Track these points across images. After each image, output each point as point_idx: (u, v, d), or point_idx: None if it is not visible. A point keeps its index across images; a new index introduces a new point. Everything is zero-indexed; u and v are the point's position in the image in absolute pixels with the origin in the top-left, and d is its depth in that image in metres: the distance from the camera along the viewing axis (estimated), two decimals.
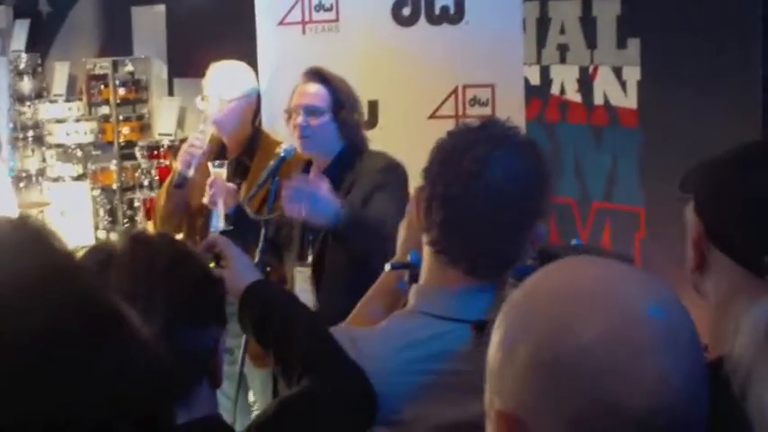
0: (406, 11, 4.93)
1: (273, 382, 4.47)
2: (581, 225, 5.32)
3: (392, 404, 2.14)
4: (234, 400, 4.13)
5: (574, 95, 5.38)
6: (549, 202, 2.24)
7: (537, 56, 5.51)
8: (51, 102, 8.19)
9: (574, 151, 5.35)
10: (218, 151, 4.73)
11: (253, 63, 4.99)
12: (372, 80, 4.69)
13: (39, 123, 8.22)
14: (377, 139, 4.35)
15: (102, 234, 7.62)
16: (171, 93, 7.78)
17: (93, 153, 7.92)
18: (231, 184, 4.35)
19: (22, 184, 7.96)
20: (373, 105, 4.86)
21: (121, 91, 7.84)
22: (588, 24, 5.28)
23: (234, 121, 4.73)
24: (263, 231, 4.01)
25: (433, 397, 2.14)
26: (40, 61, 8.62)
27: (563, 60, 5.43)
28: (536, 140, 2.38)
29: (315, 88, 4.21)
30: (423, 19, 4.97)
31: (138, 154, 7.53)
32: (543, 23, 5.49)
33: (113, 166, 7.74)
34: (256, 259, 3.83)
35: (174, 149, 7.02)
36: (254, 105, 4.82)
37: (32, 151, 8.29)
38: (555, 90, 5.46)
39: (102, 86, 7.91)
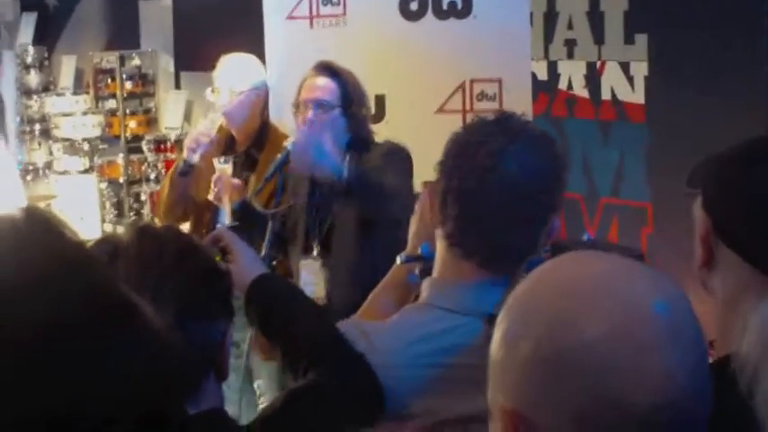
0: (414, 5, 4.93)
1: (280, 376, 4.47)
2: (588, 220, 5.32)
3: (402, 398, 2.13)
4: (239, 394, 4.13)
5: (581, 91, 5.37)
6: (563, 197, 2.24)
7: (544, 51, 5.51)
8: (58, 95, 8.19)
9: (581, 146, 5.35)
10: (225, 145, 4.73)
11: (260, 57, 4.98)
12: (379, 74, 4.68)
13: (46, 117, 8.22)
14: (383, 134, 4.35)
15: (108, 227, 7.63)
16: (178, 86, 7.77)
17: (100, 147, 7.93)
18: (236, 180, 4.35)
19: (29, 178, 7.96)
20: (380, 99, 4.85)
21: (128, 85, 7.84)
22: (596, 19, 5.28)
23: (243, 113, 4.73)
24: (269, 225, 4.01)
25: (444, 391, 2.13)
26: (46, 55, 8.62)
27: (570, 56, 5.43)
28: (551, 135, 2.36)
29: (324, 82, 4.21)
30: (430, 13, 4.97)
31: (144, 147, 7.53)
32: (550, 18, 5.48)
33: (120, 159, 7.75)
34: (263, 253, 3.83)
35: (180, 143, 7.02)
36: (264, 98, 4.82)
37: (39, 144, 8.29)
38: (562, 85, 5.45)
39: (109, 80, 7.91)
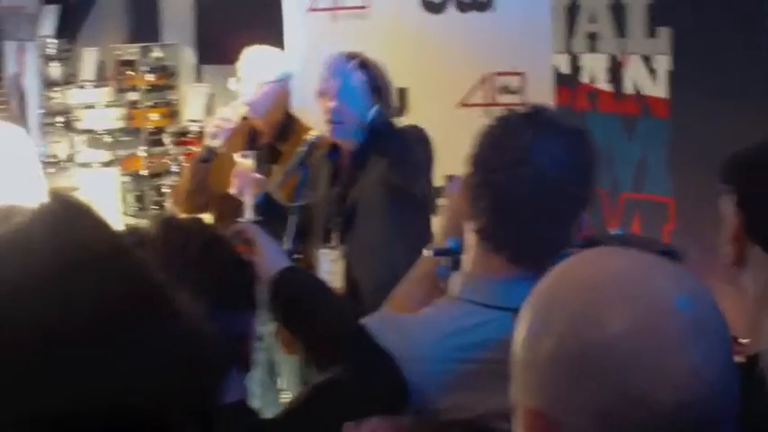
0: None
1: (303, 370, 4.47)
2: (610, 215, 5.30)
3: (432, 392, 2.12)
4: (262, 387, 4.14)
5: (603, 84, 5.35)
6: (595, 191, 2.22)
7: (566, 44, 5.49)
8: (80, 87, 8.20)
9: (603, 141, 5.33)
10: (248, 139, 4.74)
11: (281, 50, 5.00)
12: (401, 67, 4.67)
13: (68, 109, 8.24)
14: None
15: (130, 220, 7.65)
16: (199, 79, 7.78)
17: (122, 139, 7.94)
18: (258, 175, 4.35)
19: (51, 170, 7.98)
20: (402, 93, 4.85)
21: (150, 77, 7.84)
22: (618, 13, 5.25)
23: (267, 104, 4.73)
24: (292, 218, 4.01)
25: (474, 386, 2.12)
26: (69, 47, 8.64)
27: (592, 49, 5.41)
28: (585, 128, 2.34)
29: None
30: (452, 6, 4.96)
31: (166, 140, 7.54)
32: (572, 11, 5.46)
33: (142, 152, 7.76)
34: (286, 246, 3.83)
35: (202, 135, 7.03)
36: (288, 91, 4.82)
37: (61, 137, 8.31)
38: (584, 79, 5.43)
39: (131, 72, 7.92)
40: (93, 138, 7.98)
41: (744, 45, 4.66)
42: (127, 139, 7.97)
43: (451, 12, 4.95)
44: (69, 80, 8.49)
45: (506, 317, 2.11)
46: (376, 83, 4.18)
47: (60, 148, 8.27)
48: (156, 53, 7.90)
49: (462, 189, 2.23)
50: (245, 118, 4.73)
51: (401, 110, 4.76)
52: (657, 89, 5.09)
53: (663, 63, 5.06)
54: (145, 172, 7.75)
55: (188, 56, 7.87)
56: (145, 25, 8.14)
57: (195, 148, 7.12)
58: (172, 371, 1.03)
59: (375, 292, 2.86)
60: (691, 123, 4.90)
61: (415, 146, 4.00)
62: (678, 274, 1.20)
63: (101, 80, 8.27)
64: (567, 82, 5.42)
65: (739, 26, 4.68)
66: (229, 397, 1.90)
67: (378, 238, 4.06)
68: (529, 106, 2.24)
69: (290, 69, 4.85)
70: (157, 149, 7.72)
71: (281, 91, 4.77)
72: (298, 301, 2.31)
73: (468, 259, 2.24)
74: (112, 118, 7.91)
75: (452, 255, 2.33)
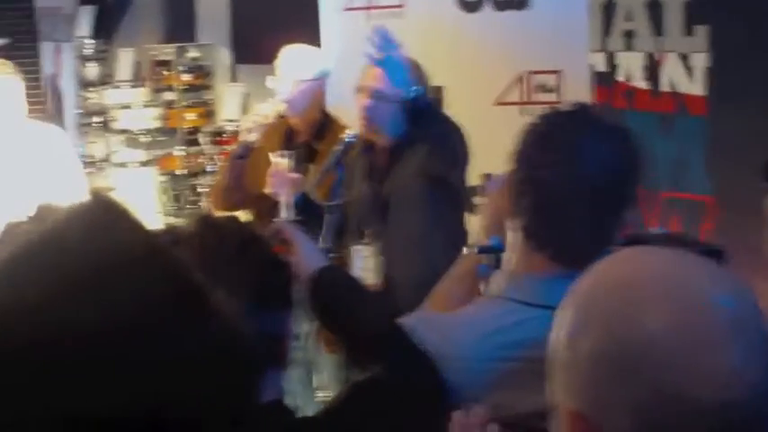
0: None
1: (341, 369, 4.47)
2: (649, 214, 5.27)
3: (473, 391, 2.12)
4: (299, 386, 4.14)
5: (640, 82, 5.32)
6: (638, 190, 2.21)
7: (602, 42, 5.46)
8: (116, 87, 8.23)
9: (641, 139, 5.29)
10: (285, 137, 4.75)
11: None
12: (437, 66, 4.67)
13: (104, 109, 8.27)
14: None
15: (167, 220, 7.67)
16: (235, 79, 7.80)
17: (158, 139, 7.97)
18: (295, 175, 4.35)
19: (88, 170, 8.02)
20: (438, 91, 4.84)
21: (186, 77, 7.86)
22: (655, 11, 5.22)
23: (304, 102, 4.74)
24: (329, 218, 4.02)
25: (515, 385, 2.12)
26: (105, 47, 8.67)
27: (629, 47, 5.38)
28: (629, 127, 2.33)
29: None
30: (488, 5, 4.95)
31: (202, 140, 7.56)
32: (609, 9, 5.43)
33: (178, 151, 7.79)
34: (323, 245, 3.83)
35: (238, 135, 7.04)
36: (324, 89, 4.83)
37: (98, 137, 8.35)
38: (621, 77, 5.40)
39: (167, 72, 7.94)
40: (130, 138, 8.01)
41: None
42: (163, 138, 8.00)
43: (488, 10, 4.94)
44: (106, 80, 8.52)
45: (547, 315, 2.09)
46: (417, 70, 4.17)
47: (97, 149, 8.30)
48: (192, 53, 7.91)
49: (504, 187, 2.23)
50: (282, 116, 4.74)
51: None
52: (695, 87, 5.06)
53: (700, 61, 5.03)
54: (181, 172, 7.77)
55: (224, 56, 7.89)
56: (181, 25, 8.16)
57: (231, 148, 7.15)
58: (209, 370, 1.03)
59: (415, 288, 2.84)
60: (728, 121, 4.86)
61: (454, 135, 4.00)
62: (717, 273, 1.19)
63: (137, 80, 8.29)
64: (604, 80, 5.40)
65: None
66: (266, 396, 1.90)
67: (417, 231, 4.05)
68: (573, 104, 2.23)
69: (326, 68, 4.85)
70: (194, 149, 7.74)
71: (318, 89, 4.78)
72: (335, 301, 2.31)
73: (509, 258, 2.23)
74: (149, 118, 7.93)
75: (496, 252, 2.32)
